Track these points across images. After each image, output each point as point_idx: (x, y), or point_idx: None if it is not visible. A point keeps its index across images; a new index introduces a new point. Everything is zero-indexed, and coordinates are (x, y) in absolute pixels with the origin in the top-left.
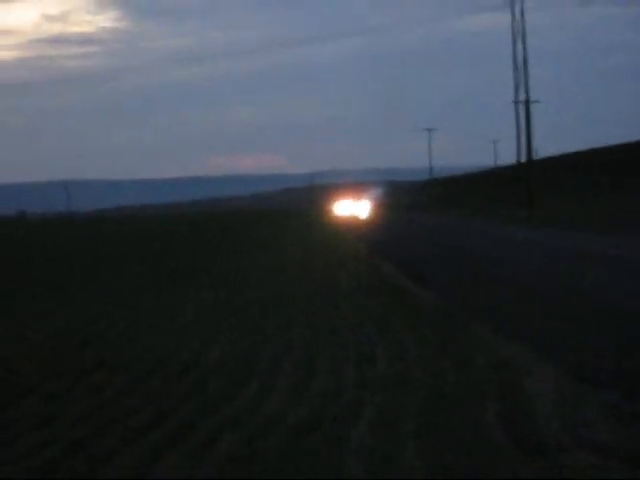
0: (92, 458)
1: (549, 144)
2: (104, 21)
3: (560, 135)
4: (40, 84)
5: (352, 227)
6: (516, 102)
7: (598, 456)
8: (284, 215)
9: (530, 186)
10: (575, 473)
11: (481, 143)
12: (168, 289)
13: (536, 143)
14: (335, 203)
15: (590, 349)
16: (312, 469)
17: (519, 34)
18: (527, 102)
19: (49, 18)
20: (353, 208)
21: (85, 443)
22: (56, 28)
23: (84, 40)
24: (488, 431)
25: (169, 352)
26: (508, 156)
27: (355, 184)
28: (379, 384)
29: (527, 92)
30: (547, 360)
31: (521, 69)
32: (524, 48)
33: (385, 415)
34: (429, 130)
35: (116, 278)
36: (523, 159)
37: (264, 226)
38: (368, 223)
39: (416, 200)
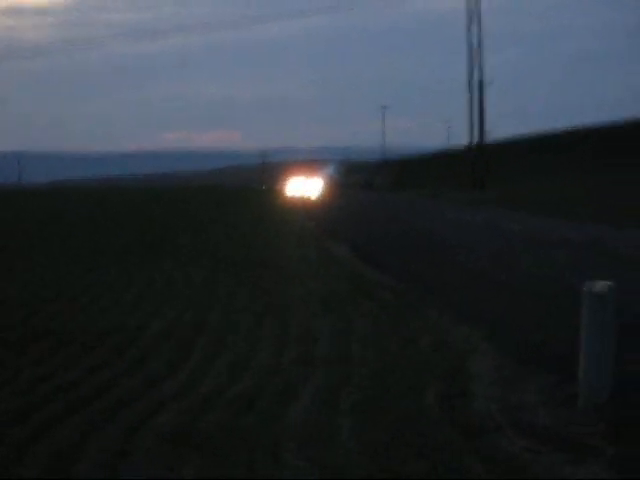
0: (31, 428)
1: (503, 126)
2: None
3: (515, 117)
4: None
5: (303, 205)
6: (470, 83)
7: (534, 440)
8: (236, 191)
9: (482, 168)
10: (509, 456)
11: (435, 123)
12: (117, 262)
13: (489, 125)
14: (287, 180)
15: (535, 332)
16: (246, 446)
17: (474, 15)
18: (480, 84)
19: None
20: (306, 186)
21: (26, 413)
22: None
23: (38, 11)
24: (426, 411)
25: (115, 324)
26: (461, 137)
27: (308, 162)
28: (321, 362)
29: (481, 74)
30: (492, 342)
31: (476, 51)
32: (478, 30)
33: (324, 393)
34: (383, 108)
35: (66, 250)
36: (476, 141)
37: (214, 202)
38: (320, 201)
39: (369, 180)
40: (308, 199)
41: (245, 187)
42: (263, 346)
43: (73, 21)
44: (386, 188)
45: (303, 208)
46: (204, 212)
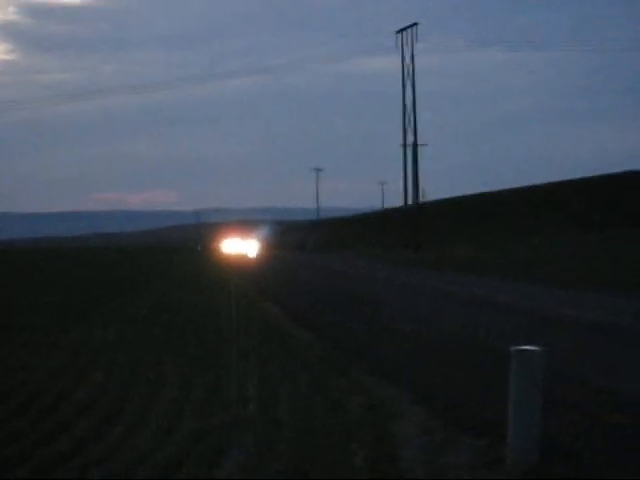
0: None
1: (437, 187)
2: None
3: (448, 178)
4: None
5: (238, 266)
6: (404, 145)
7: None
8: (170, 252)
9: (417, 229)
10: None
11: (369, 185)
12: (49, 325)
13: (424, 186)
14: (222, 241)
15: (464, 395)
16: None
17: (409, 77)
18: (415, 145)
19: None
20: (241, 246)
21: None
22: None
23: None
24: (354, 476)
25: (42, 387)
26: (396, 198)
27: (243, 222)
28: (249, 425)
29: (415, 135)
30: (420, 404)
31: (410, 112)
32: (413, 91)
33: (252, 457)
34: (317, 170)
35: None
36: (410, 202)
37: (148, 264)
38: (255, 262)
39: (303, 240)
40: (243, 259)
41: (180, 248)
42: (191, 410)
43: (6, 81)
44: (319, 249)
45: (237, 269)
46: (138, 274)
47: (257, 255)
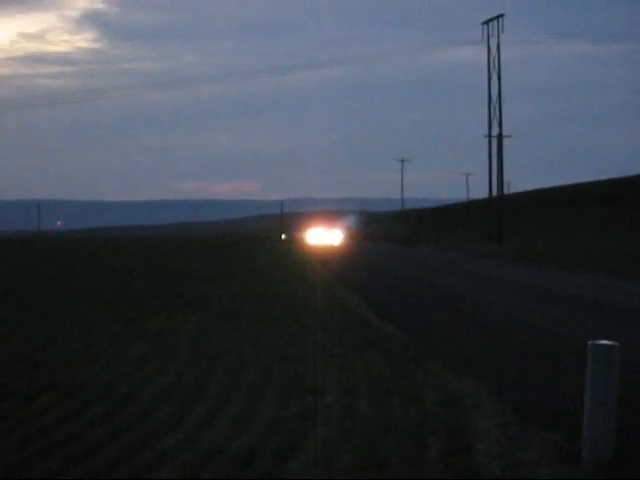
0: None
1: (522, 179)
2: (81, 41)
3: (532, 170)
4: (15, 102)
5: (322, 255)
6: (489, 136)
7: None
8: (254, 241)
9: (501, 221)
10: None
11: (454, 176)
12: (126, 314)
13: (508, 178)
14: (307, 231)
15: (542, 389)
16: None
17: (494, 69)
18: (500, 137)
19: (26, 36)
20: (325, 236)
21: (25, 466)
22: (33, 46)
23: (61, 60)
24: (427, 469)
25: (119, 377)
26: (480, 190)
27: (327, 212)
28: (324, 417)
29: (500, 127)
30: (497, 398)
31: (495, 104)
32: (499, 83)
33: (325, 449)
34: (402, 161)
35: (76, 301)
36: (495, 193)
37: (233, 253)
38: (340, 253)
39: (388, 231)
40: (326, 249)
41: (264, 237)
42: (268, 399)
43: (93, 70)
44: (404, 240)
45: (321, 259)
46: (223, 263)
47: (341, 244)
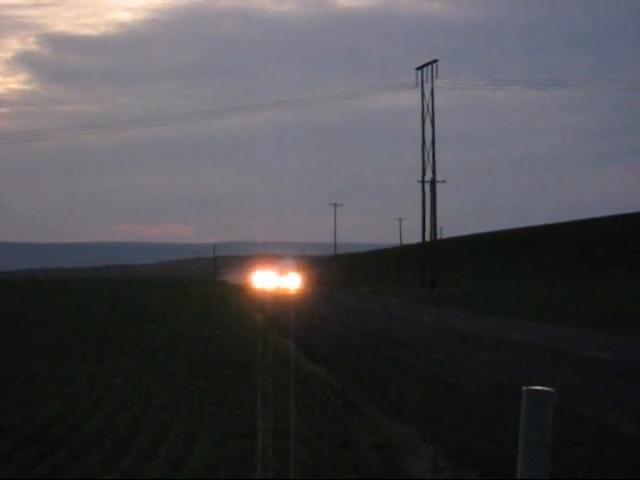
0: None
1: (453, 224)
2: (14, 83)
3: (465, 216)
4: None
5: (282, 302)
6: (422, 181)
7: None
8: (190, 284)
9: (434, 266)
10: None
11: (387, 221)
12: (64, 354)
13: (441, 223)
14: (250, 274)
15: (476, 433)
16: None
17: (428, 114)
18: (433, 182)
19: None
20: (274, 280)
21: None
22: None
23: None
24: None
25: (50, 421)
26: (413, 235)
27: (262, 256)
28: (259, 461)
29: (434, 172)
30: (431, 443)
31: (429, 149)
32: (432, 128)
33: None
34: (335, 205)
35: (8, 344)
36: (428, 238)
37: (172, 296)
38: (294, 298)
39: (322, 275)
40: (281, 295)
41: (200, 280)
42: (202, 442)
43: (26, 112)
44: (335, 284)
45: (282, 306)
46: (157, 306)
47: (297, 288)
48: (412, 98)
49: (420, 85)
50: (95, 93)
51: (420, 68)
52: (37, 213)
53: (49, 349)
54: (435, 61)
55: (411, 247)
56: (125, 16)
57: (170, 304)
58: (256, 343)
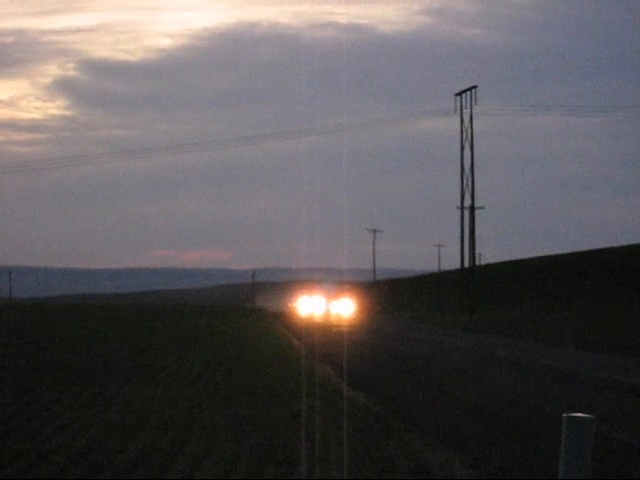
0: None
1: (492, 250)
2: (53, 108)
3: (503, 242)
4: None
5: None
6: (461, 207)
7: None
8: (230, 313)
9: (473, 292)
10: None
11: (426, 247)
12: (95, 382)
13: (480, 249)
14: (295, 300)
15: (516, 461)
16: None
17: (467, 139)
18: (472, 208)
19: None
20: (324, 306)
21: None
22: (5, 113)
23: (32, 126)
24: None
25: (90, 446)
26: (451, 261)
27: (301, 282)
28: None
29: (472, 198)
30: (471, 468)
31: (467, 174)
32: (472, 154)
33: None
34: (374, 231)
35: (45, 369)
36: (467, 264)
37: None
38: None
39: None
40: (334, 322)
41: (242, 307)
42: (241, 468)
43: (65, 137)
44: (373, 311)
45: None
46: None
47: (351, 316)
48: (451, 124)
49: (459, 111)
50: (133, 119)
51: (459, 94)
52: (75, 239)
53: (85, 373)
54: (474, 87)
55: (449, 273)
56: (164, 42)
57: (207, 332)
58: (294, 370)
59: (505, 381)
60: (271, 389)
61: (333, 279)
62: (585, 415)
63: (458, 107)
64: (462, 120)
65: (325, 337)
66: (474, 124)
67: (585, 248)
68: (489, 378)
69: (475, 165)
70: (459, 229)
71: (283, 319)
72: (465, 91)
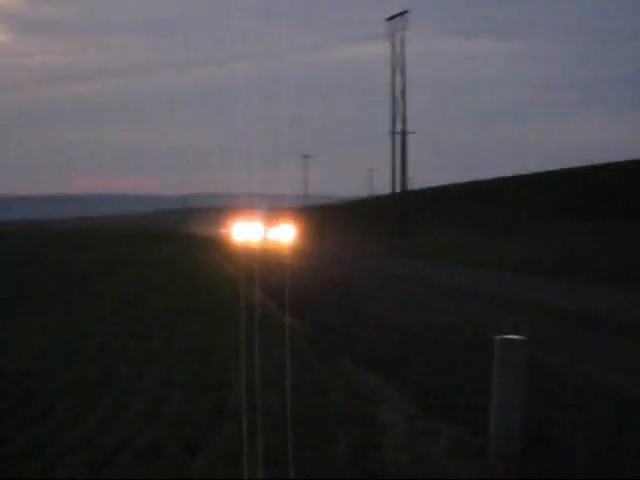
0: None
1: (424, 175)
2: None
3: (435, 167)
4: None
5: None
6: (392, 132)
7: None
8: (168, 237)
9: (403, 216)
10: None
11: (358, 172)
12: (24, 308)
13: (411, 174)
14: (228, 225)
15: (449, 384)
16: None
17: (398, 65)
18: (403, 133)
19: None
20: (262, 232)
21: None
22: None
23: None
24: (336, 462)
25: (23, 371)
26: (384, 186)
27: (232, 208)
28: (232, 411)
29: (404, 123)
30: (403, 392)
31: (399, 100)
32: (403, 79)
33: (231, 444)
34: (305, 157)
35: None
36: (398, 189)
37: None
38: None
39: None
40: (274, 250)
41: (173, 232)
42: (176, 393)
43: None
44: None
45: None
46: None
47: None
48: (383, 49)
49: (391, 36)
50: (63, 45)
51: (390, 19)
52: (3, 165)
53: (16, 301)
54: (405, 12)
55: (381, 198)
56: None
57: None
58: (227, 295)
59: (435, 304)
60: (206, 313)
61: (265, 204)
62: (517, 337)
63: (389, 32)
64: (393, 45)
65: (265, 266)
66: (406, 49)
67: (510, 173)
68: (419, 301)
69: (406, 90)
70: (390, 154)
71: (217, 245)
72: (396, 16)
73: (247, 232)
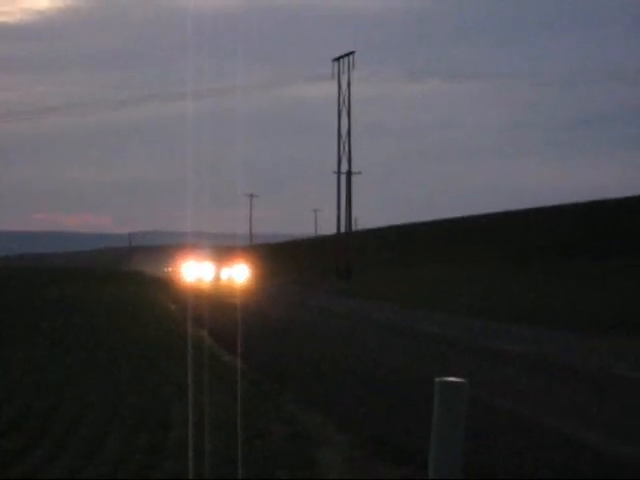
0: None
1: (370, 216)
2: None
3: (382, 207)
4: None
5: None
6: (338, 172)
7: None
8: (104, 276)
9: (349, 256)
10: None
11: (303, 212)
12: None
13: (357, 214)
14: (178, 264)
15: (390, 424)
16: None
17: (344, 105)
18: (349, 173)
19: None
20: (211, 271)
21: None
22: None
23: None
24: None
25: None
26: (329, 226)
27: (178, 246)
28: (171, 450)
29: (349, 163)
30: (345, 433)
31: (345, 140)
32: (349, 120)
33: None
34: (251, 196)
35: None
36: (343, 229)
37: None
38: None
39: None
40: (226, 290)
41: (119, 271)
42: (115, 433)
43: None
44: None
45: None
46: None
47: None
48: (330, 89)
49: (337, 76)
50: (10, 81)
51: (337, 59)
52: None
53: None
54: (352, 52)
55: (326, 238)
56: (42, 3)
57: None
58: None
59: (380, 345)
60: (148, 355)
61: (210, 243)
62: (457, 379)
63: (336, 72)
64: (340, 85)
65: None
66: (352, 90)
67: (459, 214)
68: (364, 341)
69: (352, 130)
70: (336, 194)
71: (164, 285)
72: (343, 56)
73: (197, 271)
